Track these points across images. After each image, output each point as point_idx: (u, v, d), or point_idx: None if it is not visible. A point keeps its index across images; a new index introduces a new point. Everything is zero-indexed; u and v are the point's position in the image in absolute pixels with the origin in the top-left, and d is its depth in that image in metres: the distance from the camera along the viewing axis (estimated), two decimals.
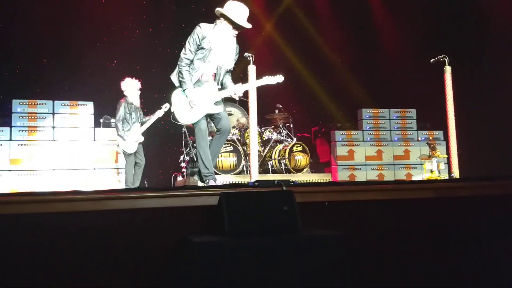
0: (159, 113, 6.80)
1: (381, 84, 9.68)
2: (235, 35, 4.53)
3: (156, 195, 2.88)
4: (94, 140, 7.47)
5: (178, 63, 4.45)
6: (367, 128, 8.59)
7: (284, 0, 10.15)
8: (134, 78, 6.80)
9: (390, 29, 10.02)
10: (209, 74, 4.53)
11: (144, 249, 2.74)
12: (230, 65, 4.61)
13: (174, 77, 4.56)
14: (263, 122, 8.06)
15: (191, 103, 4.42)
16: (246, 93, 5.01)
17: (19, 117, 7.21)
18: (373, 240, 3.11)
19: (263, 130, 7.98)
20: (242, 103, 8.31)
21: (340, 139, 8.39)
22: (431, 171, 6.50)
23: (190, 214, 2.87)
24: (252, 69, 4.59)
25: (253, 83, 4.54)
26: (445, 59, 5.32)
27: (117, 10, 8.57)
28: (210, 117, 4.63)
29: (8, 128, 7.10)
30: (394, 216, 3.24)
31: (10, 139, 7.07)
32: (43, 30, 7.93)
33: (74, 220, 2.67)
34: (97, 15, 8.38)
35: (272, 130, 8.01)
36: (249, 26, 4.47)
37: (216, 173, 7.19)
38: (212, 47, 4.41)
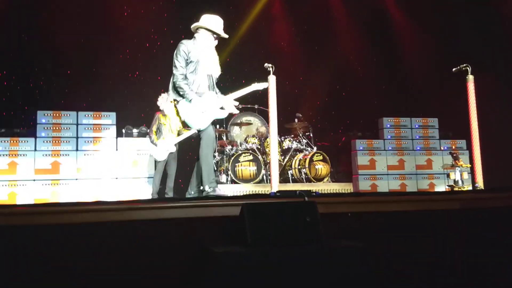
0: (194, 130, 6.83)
1: (402, 93, 9.59)
2: (215, 45, 4.78)
3: (177, 205, 2.90)
4: (117, 150, 7.56)
5: (174, 81, 4.62)
6: (389, 137, 8.51)
7: (303, 9, 10.16)
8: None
9: (412, 38, 9.95)
10: (203, 85, 4.71)
11: (166, 259, 2.76)
12: (218, 72, 4.83)
13: (173, 96, 4.68)
14: (282, 131, 8.06)
15: (201, 107, 4.52)
16: (266, 103, 5.03)
17: (44, 128, 7.34)
18: (396, 251, 3.07)
19: (282, 139, 7.97)
20: (261, 112, 8.34)
21: (361, 148, 8.32)
22: (455, 181, 6.40)
23: (211, 224, 2.88)
24: (272, 79, 4.62)
25: (242, 91, 4.78)
26: (468, 68, 5.25)
27: (139, 23, 8.71)
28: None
29: (33, 139, 7.23)
30: (417, 227, 3.19)
31: (35, 150, 7.21)
32: (67, 42, 8.08)
33: (97, 231, 2.71)
34: (120, 27, 8.52)
35: (292, 139, 7.99)
36: (226, 36, 4.74)
37: (236, 182, 7.26)
38: (199, 59, 4.63)
